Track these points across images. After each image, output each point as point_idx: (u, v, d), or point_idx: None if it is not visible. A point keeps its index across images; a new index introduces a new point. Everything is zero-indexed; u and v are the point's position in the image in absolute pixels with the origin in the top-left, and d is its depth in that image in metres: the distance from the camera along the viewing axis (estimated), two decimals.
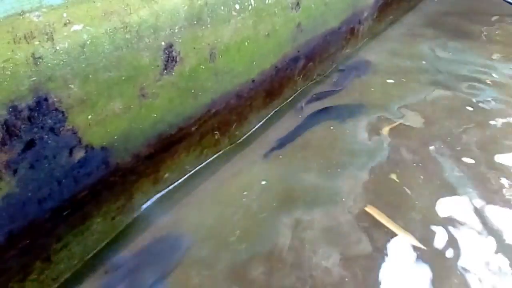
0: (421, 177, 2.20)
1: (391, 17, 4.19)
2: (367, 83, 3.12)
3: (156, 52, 1.76)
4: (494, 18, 4.54)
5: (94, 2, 1.49)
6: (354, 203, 2.05)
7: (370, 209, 2.04)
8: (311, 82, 3.09)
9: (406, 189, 2.13)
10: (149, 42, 1.70)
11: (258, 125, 2.62)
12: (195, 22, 1.89)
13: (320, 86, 3.07)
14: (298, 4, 2.58)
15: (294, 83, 2.91)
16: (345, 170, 2.26)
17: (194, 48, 1.94)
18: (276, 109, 2.78)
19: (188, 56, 1.93)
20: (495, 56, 3.61)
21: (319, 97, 2.90)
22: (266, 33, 2.39)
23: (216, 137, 2.31)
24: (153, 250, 1.84)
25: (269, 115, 2.73)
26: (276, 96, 2.74)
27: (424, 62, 3.45)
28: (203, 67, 2.03)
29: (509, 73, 3.29)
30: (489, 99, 2.91)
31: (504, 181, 2.18)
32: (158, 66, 1.79)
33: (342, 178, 2.19)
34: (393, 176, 2.23)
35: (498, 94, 2.98)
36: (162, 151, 2.00)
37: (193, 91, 2.03)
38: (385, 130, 2.59)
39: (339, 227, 1.92)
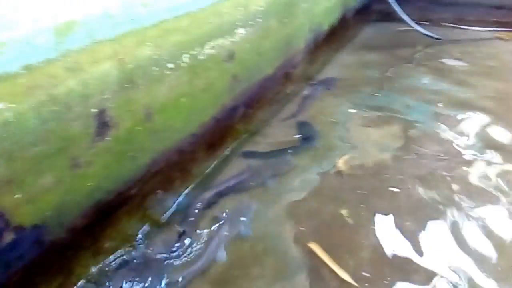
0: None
1: (322, 58, 4.39)
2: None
3: (87, 120, 1.71)
4: (418, 48, 4.92)
5: (17, 77, 1.43)
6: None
7: (313, 246, 2.06)
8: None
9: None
10: (78, 111, 1.65)
11: (202, 177, 2.59)
12: (127, 85, 1.87)
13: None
14: (232, 56, 2.64)
15: (235, 131, 2.93)
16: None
17: (128, 110, 1.91)
18: (219, 159, 2.77)
19: (123, 119, 1.89)
20: (425, 80, 3.93)
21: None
22: (203, 87, 2.41)
23: (159, 196, 2.25)
24: None
25: (213, 165, 2.70)
26: (218, 146, 2.74)
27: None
28: (140, 128, 2.00)
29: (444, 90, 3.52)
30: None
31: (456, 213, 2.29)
32: (90, 133, 1.73)
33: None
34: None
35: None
36: (101, 220, 1.91)
37: (130, 153, 1.98)
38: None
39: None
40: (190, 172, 2.48)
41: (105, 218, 1.93)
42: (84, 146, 1.73)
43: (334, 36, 4.65)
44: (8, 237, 1.49)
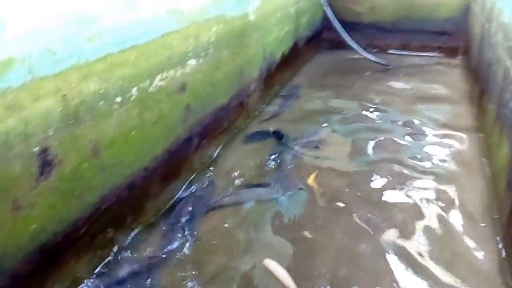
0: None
1: (277, 86, 4.47)
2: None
3: (28, 160, 1.63)
4: (367, 73, 5.11)
5: None
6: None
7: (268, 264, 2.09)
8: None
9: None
10: (19, 150, 1.58)
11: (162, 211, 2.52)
12: (72, 122, 1.81)
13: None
14: (183, 87, 2.63)
15: (191, 163, 2.89)
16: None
17: (74, 147, 1.84)
18: (177, 193, 2.71)
19: (68, 157, 1.82)
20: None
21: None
22: (154, 120, 2.38)
23: (109, 235, 2.16)
24: None
25: (174, 198, 2.64)
26: (173, 179, 2.69)
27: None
28: (87, 165, 1.93)
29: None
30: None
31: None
32: (32, 173, 1.65)
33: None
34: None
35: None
36: (47, 264, 1.80)
37: (77, 191, 1.90)
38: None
39: None
40: (143, 208, 2.41)
41: (52, 261, 1.82)
42: (26, 187, 1.64)
43: (287, 64, 4.76)
44: None
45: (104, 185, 2.06)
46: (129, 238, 2.28)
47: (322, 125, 3.68)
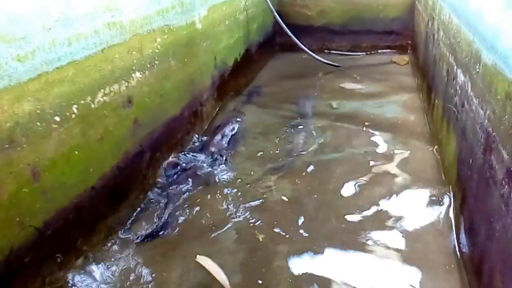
0: None
1: (231, 92, 4.46)
2: None
3: None
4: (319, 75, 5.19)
5: None
6: None
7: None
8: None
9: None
10: None
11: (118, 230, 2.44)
12: (6, 146, 1.72)
13: None
14: (130, 101, 2.57)
15: (145, 178, 2.83)
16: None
17: (11, 172, 1.75)
18: (130, 209, 2.63)
19: (5, 183, 1.73)
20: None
21: None
22: (99, 137, 2.30)
23: (59, 260, 2.07)
24: None
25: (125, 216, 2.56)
26: (126, 195, 2.61)
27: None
28: (27, 190, 1.84)
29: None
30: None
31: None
32: None
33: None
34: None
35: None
36: None
37: (17, 219, 1.81)
38: None
39: None
40: (94, 229, 2.32)
41: None
42: None
43: (241, 70, 4.76)
44: None
45: (47, 209, 1.97)
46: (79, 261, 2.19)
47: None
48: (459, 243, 2.24)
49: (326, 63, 5.45)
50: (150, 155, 2.86)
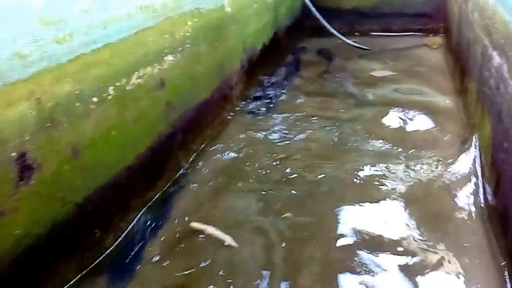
0: None
1: (260, 76, 4.47)
2: None
3: (6, 166, 1.62)
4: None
5: None
6: None
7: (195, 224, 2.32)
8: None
9: None
10: None
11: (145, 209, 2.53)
12: (48, 125, 1.80)
13: None
14: (162, 84, 2.62)
15: (176, 159, 2.89)
16: None
17: (52, 150, 1.84)
18: (163, 189, 2.71)
19: (47, 161, 1.81)
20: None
21: None
22: (134, 118, 2.37)
23: (97, 235, 2.16)
24: None
25: (157, 195, 2.64)
26: (159, 176, 2.69)
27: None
28: (67, 167, 1.92)
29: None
30: None
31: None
32: (11, 179, 1.65)
33: None
34: None
35: None
36: (34, 269, 1.80)
37: (59, 195, 1.90)
38: None
39: None
40: (130, 206, 2.41)
41: (39, 265, 1.82)
42: (6, 193, 1.63)
43: (269, 55, 4.75)
44: None
45: (87, 187, 2.06)
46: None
47: None
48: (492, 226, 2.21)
49: (356, 47, 5.37)
50: (182, 137, 2.92)
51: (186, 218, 2.42)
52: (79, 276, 2.04)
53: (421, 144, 3.08)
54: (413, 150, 3.00)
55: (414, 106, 3.69)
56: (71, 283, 2.00)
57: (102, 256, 2.16)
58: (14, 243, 1.70)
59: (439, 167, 2.76)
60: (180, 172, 2.88)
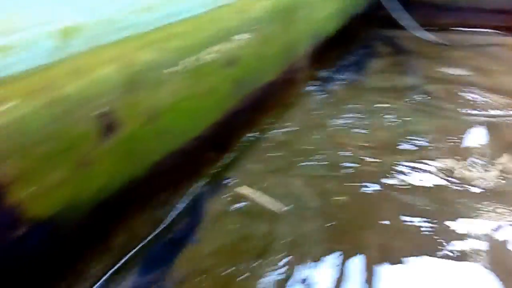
0: None
1: (324, 64, 4.46)
2: None
3: (92, 121, 1.79)
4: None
5: (25, 79, 1.52)
6: None
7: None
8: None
9: None
10: (84, 112, 1.74)
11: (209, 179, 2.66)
12: (130, 88, 1.95)
13: None
14: (233, 62, 2.72)
15: (241, 134, 3.00)
16: None
17: (132, 112, 1.99)
18: (225, 162, 2.83)
19: (127, 121, 1.97)
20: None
21: None
22: (205, 92, 2.49)
23: (165, 197, 2.31)
24: None
25: (220, 168, 2.77)
26: (224, 148, 2.81)
27: None
28: (144, 130, 2.08)
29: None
30: None
31: None
32: (96, 134, 1.81)
33: None
34: None
35: None
36: (111, 218, 1.98)
37: (136, 154, 2.05)
38: None
39: None
40: (196, 173, 2.55)
41: (113, 216, 1.99)
42: (91, 146, 1.80)
43: (338, 42, 4.73)
44: (20, 230, 1.56)
45: (159, 150, 2.21)
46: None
47: None
48: None
49: (431, 41, 5.18)
50: (247, 116, 3.02)
51: (243, 189, 2.50)
52: (151, 231, 2.21)
53: None
54: None
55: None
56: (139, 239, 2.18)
57: (169, 216, 2.31)
58: (94, 194, 1.88)
59: None
60: (242, 148, 2.98)
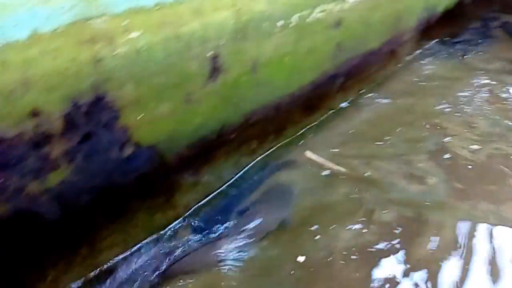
0: None
1: (435, 40, 4.20)
2: None
3: (203, 62, 1.89)
4: None
5: (151, 12, 1.64)
6: None
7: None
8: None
9: None
10: (197, 52, 1.84)
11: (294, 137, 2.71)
12: (240, 36, 2.02)
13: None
14: (339, 23, 2.67)
15: (332, 100, 2.98)
16: None
17: (238, 60, 2.07)
18: (313, 123, 2.85)
19: (232, 67, 2.06)
20: None
21: None
22: (307, 50, 2.49)
23: (253, 146, 2.41)
24: None
25: (305, 128, 2.80)
26: (313, 110, 2.82)
27: None
28: (245, 78, 2.15)
29: None
30: None
31: None
32: (204, 74, 1.92)
33: None
34: None
35: None
36: (203, 155, 2.12)
37: (234, 100, 2.15)
38: None
39: None
40: (284, 130, 2.61)
41: (206, 154, 2.13)
42: (198, 85, 1.92)
43: (450, 20, 4.40)
44: (128, 150, 1.74)
45: (256, 100, 2.28)
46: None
47: None
48: None
49: None
50: (343, 81, 2.98)
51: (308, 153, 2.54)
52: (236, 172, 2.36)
53: None
54: None
55: None
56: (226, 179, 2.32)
57: (254, 161, 2.44)
58: (193, 128, 2.01)
59: None
60: (331, 112, 2.98)
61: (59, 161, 1.50)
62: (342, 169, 2.39)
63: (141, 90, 1.69)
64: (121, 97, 1.63)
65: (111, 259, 1.87)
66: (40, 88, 1.37)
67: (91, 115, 1.54)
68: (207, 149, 2.13)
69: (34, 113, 1.38)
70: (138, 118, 1.72)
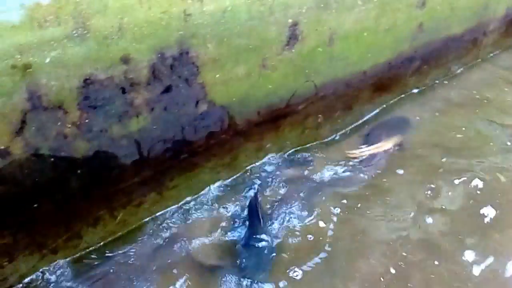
0: None
1: None
2: None
3: (282, 28, 1.90)
4: None
5: None
6: None
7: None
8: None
9: None
10: (278, 17, 1.85)
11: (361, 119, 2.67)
12: (321, 5, 1.99)
13: None
14: (424, 3, 2.56)
15: (405, 84, 2.89)
16: None
17: (316, 30, 2.05)
18: (381, 106, 2.79)
19: (309, 37, 2.04)
20: None
21: None
22: (386, 28, 2.41)
23: (319, 120, 2.40)
24: None
25: (375, 111, 2.75)
26: (384, 92, 2.75)
27: None
28: (321, 50, 2.13)
29: None
30: None
31: None
32: (281, 41, 1.93)
33: None
34: None
35: None
36: (270, 122, 2.14)
37: (306, 71, 2.14)
38: None
39: None
40: (351, 108, 2.57)
41: (273, 121, 2.16)
42: (274, 51, 1.93)
43: None
44: (202, 107, 1.80)
45: (327, 74, 2.26)
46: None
47: None
48: None
49: None
50: (418, 65, 2.86)
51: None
52: (295, 147, 2.37)
53: None
54: None
55: None
56: (285, 150, 2.34)
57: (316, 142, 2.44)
58: (264, 94, 2.03)
59: None
60: (402, 96, 2.89)
61: (141, 108, 1.58)
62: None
63: (221, 50, 1.73)
64: (203, 54, 1.68)
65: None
66: (132, 36, 1.44)
67: (174, 68, 1.60)
68: (274, 117, 2.15)
69: (125, 60, 1.45)
70: (215, 76, 1.77)
